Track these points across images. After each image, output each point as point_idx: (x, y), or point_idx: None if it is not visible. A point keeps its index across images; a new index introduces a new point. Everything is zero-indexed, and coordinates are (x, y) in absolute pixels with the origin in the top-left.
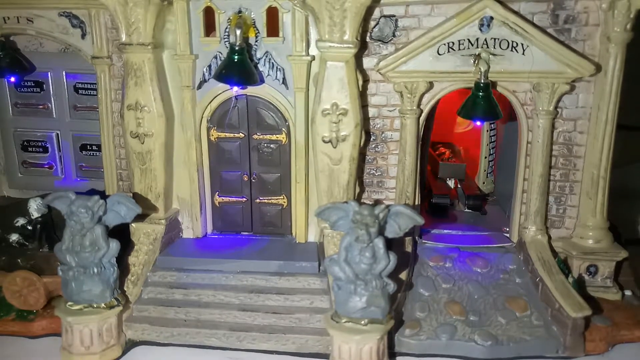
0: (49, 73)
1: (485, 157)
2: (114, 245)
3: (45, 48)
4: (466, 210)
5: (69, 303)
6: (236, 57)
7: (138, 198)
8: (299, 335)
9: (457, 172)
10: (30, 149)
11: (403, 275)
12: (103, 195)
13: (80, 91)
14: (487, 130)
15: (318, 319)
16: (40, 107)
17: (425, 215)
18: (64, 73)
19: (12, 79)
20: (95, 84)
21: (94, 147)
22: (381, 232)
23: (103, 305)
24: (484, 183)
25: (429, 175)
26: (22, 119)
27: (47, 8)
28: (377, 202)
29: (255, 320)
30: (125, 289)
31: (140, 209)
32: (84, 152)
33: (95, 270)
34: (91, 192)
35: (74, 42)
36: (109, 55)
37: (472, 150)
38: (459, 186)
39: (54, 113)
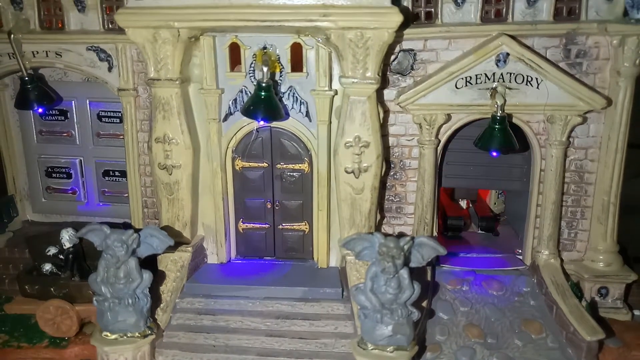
0: (73, 102)
1: None
2: (147, 276)
3: (69, 77)
4: (479, 231)
5: (105, 333)
6: (263, 94)
7: (165, 227)
8: None
9: (470, 193)
10: (54, 175)
11: (424, 302)
12: (131, 227)
13: (103, 119)
14: None
15: (343, 343)
16: (64, 134)
17: (441, 237)
18: (87, 102)
19: (40, 110)
20: (118, 112)
21: (117, 173)
22: (406, 262)
23: (137, 334)
24: (494, 204)
25: (442, 196)
26: (46, 146)
27: (77, 43)
28: (400, 235)
29: (282, 346)
30: (155, 316)
31: (173, 241)
32: (106, 178)
33: (130, 301)
34: (126, 225)
35: (101, 74)
36: (135, 87)
37: None
38: (470, 206)
39: (77, 140)
